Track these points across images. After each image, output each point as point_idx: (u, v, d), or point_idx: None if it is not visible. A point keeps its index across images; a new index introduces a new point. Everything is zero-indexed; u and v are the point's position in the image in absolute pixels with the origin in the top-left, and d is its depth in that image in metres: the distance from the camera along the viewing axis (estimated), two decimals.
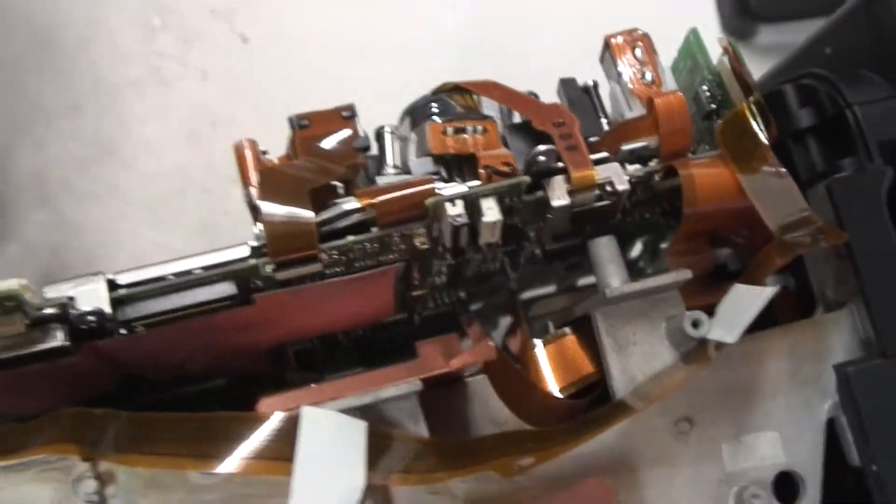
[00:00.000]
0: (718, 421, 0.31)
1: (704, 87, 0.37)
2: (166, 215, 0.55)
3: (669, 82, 0.36)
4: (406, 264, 0.34)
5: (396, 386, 0.28)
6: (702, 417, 0.31)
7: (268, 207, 0.31)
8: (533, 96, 0.38)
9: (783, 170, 0.32)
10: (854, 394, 0.30)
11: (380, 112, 0.37)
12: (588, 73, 0.38)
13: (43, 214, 0.54)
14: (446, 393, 0.32)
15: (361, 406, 0.28)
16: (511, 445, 0.28)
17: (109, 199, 0.55)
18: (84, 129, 0.57)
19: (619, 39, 0.37)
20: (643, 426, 0.30)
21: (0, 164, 0.55)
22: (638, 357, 0.31)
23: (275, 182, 0.32)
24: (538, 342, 0.33)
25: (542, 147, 0.32)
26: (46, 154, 0.56)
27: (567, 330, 0.33)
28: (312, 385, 0.33)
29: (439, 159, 0.34)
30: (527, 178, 0.32)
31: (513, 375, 0.31)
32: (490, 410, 0.32)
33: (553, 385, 0.32)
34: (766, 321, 0.32)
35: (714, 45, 0.37)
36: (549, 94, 0.38)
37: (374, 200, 0.32)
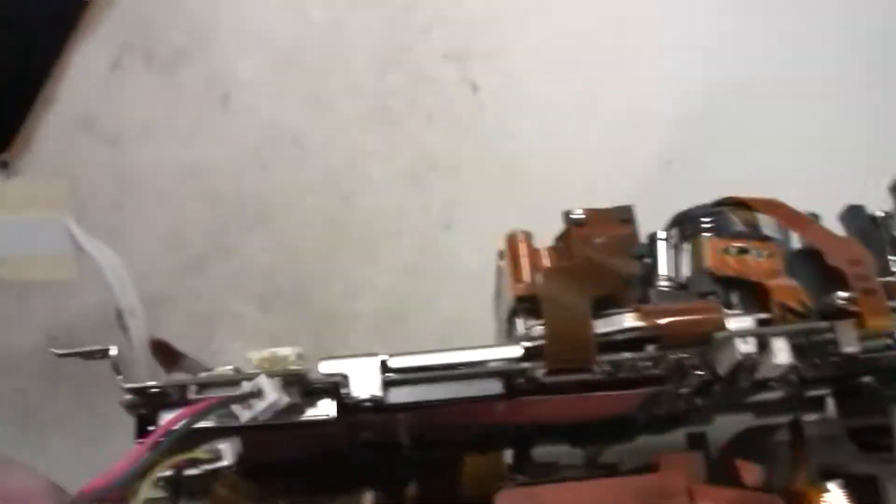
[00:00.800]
0: None
1: None
2: (380, 252, 0.55)
3: None
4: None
5: None
6: None
7: (552, 311, 0.30)
8: (813, 217, 0.36)
9: None
10: None
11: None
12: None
13: (262, 236, 0.56)
14: None
15: None
16: None
17: (326, 230, 0.56)
18: (308, 157, 0.58)
19: None
20: None
21: (229, 182, 0.57)
22: None
23: (559, 285, 0.31)
24: None
25: (843, 294, 0.31)
26: (270, 178, 0.57)
27: (836, 484, 0.31)
28: (555, 484, 0.33)
29: (718, 277, 0.33)
30: (825, 324, 0.30)
31: None
32: None
33: None
34: None
35: None
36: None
37: (659, 322, 0.30)
